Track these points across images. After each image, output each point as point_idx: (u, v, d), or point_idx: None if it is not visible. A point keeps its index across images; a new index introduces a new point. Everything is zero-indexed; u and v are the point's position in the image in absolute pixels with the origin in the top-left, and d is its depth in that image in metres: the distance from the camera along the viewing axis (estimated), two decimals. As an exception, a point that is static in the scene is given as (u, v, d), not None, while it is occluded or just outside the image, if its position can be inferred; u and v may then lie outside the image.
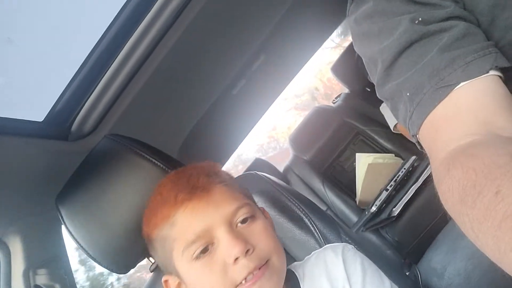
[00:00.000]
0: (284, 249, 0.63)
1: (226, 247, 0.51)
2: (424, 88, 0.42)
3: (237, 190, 0.60)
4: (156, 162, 0.77)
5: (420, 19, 0.45)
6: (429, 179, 1.23)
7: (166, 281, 0.59)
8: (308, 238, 0.67)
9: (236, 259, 0.50)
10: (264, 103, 1.96)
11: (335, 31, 1.90)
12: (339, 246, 0.59)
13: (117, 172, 0.79)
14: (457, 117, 0.40)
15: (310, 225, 0.68)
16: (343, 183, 1.86)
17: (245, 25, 1.28)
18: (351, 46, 2.05)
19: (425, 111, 0.42)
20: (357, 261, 0.56)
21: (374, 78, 0.50)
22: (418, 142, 0.47)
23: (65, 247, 1.00)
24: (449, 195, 0.35)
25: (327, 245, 0.62)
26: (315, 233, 0.67)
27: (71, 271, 0.97)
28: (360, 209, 1.63)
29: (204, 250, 0.52)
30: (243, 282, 0.50)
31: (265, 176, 0.80)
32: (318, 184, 1.80)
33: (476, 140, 0.37)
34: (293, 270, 0.60)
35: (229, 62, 1.39)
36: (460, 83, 0.41)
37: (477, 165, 0.33)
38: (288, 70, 1.87)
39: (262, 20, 1.36)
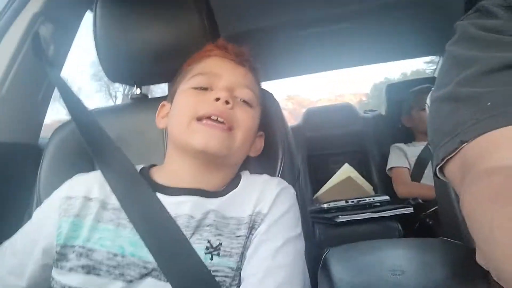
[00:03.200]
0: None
1: (217, 90, 0.61)
2: (511, 107, 0.41)
3: (257, 85, 0.69)
4: (206, 24, 0.77)
5: None
6: (382, 220, 1.29)
7: (163, 105, 0.70)
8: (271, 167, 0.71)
9: (218, 100, 0.58)
10: None
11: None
12: (286, 184, 0.61)
13: (170, 4, 0.78)
14: None
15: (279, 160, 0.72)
16: (317, 176, 1.91)
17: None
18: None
19: (498, 124, 0.41)
20: (288, 201, 0.58)
21: (451, 77, 0.48)
22: (444, 158, 0.45)
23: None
24: (479, 195, 0.36)
25: (279, 177, 0.65)
26: (278, 168, 0.71)
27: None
28: (311, 204, 1.70)
29: (204, 89, 0.62)
30: (203, 120, 0.58)
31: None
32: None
33: None
34: (241, 174, 0.64)
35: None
36: None
37: None
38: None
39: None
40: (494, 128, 0.41)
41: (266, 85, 0.76)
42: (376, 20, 1.59)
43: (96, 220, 0.54)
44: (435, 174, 0.50)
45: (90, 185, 0.58)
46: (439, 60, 2.08)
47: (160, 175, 0.62)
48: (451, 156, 0.44)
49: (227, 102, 0.59)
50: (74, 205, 0.55)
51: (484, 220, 0.33)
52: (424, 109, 1.65)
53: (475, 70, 0.46)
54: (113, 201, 0.55)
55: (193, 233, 0.52)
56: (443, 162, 0.46)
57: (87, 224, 0.53)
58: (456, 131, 0.44)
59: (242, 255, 0.51)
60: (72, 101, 0.71)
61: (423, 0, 1.50)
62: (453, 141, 0.44)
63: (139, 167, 0.62)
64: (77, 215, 0.54)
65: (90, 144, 0.60)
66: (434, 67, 2.35)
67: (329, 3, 1.38)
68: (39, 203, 0.66)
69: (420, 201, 1.44)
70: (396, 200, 1.52)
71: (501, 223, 0.31)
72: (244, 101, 0.63)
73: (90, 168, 0.67)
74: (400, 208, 1.32)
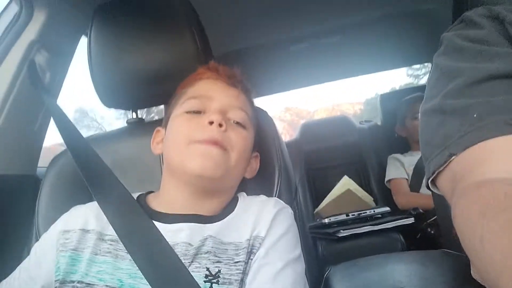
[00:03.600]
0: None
1: (210, 113, 0.61)
2: (497, 117, 0.41)
3: (250, 106, 0.69)
4: (199, 46, 0.78)
5: None
6: (384, 232, 1.28)
7: (158, 131, 0.70)
8: (268, 187, 0.71)
9: (211, 124, 0.59)
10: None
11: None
12: (283, 205, 0.61)
13: (163, 28, 0.79)
14: None
15: (276, 180, 0.72)
16: (317, 190, 1.91)
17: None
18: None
19: (485, 136, 0.41)
20: (286, 222, 0.57)
21: (438, 88, 0.49)
22: (434, 172, 0.45)
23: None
24: (468, 208, 0.36)
25: (276, 198, 0.65)
26: (275, 187, 0.71)
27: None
28: (312, 219, 1.69)
29: (197, 112, 0.62)
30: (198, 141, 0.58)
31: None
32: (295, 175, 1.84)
33: None
34: (238, 197, 0.64)
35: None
36: None
37: (510, 191, 0.33)
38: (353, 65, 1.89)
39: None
40: (481, 140, 0.41)
41: (263, 98, 0.76)
42: (366, 31, 1.62)
43: (94, 252, 0.53)
44: (427, 187, 0.50)
45: (87, 216, 0.58)
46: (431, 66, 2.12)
47: (157, 202, 0.62)
48: (441, 169, 0.45)
49: (220, 125, 0.59)
50: (72, 239, 0.55)
51: (474, 234, 0.33)
52: (417, 118, 1.66)
53: (461, 82, 0.46)
54: (111, 232, 0.55)
55: (192, 261, 0.51)
56: (434, 175, 0.46)
57: (85, 257, 0.53)
58: (445, 144, 0.45)
59: (242, 282, 0.51)
60: (67, 130, 0.71)
61: (412, 12, 1.53)
62: (443, 154, 0.45)
63: (136, 195, 0.62)
64: (74, 249, 0.54)
65: (85, 175, 0.61)
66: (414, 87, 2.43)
67: (319, 19, 1.41)
68: (38, 237, 0.66)
69: (421, 211, 1.44)
70: (396, 211, 1.52)
71: (490, 237, 0.31)
72: (238, 123, 0.63)
73: (88, 197, 0.67)
74: (401, 219, 1.32)
